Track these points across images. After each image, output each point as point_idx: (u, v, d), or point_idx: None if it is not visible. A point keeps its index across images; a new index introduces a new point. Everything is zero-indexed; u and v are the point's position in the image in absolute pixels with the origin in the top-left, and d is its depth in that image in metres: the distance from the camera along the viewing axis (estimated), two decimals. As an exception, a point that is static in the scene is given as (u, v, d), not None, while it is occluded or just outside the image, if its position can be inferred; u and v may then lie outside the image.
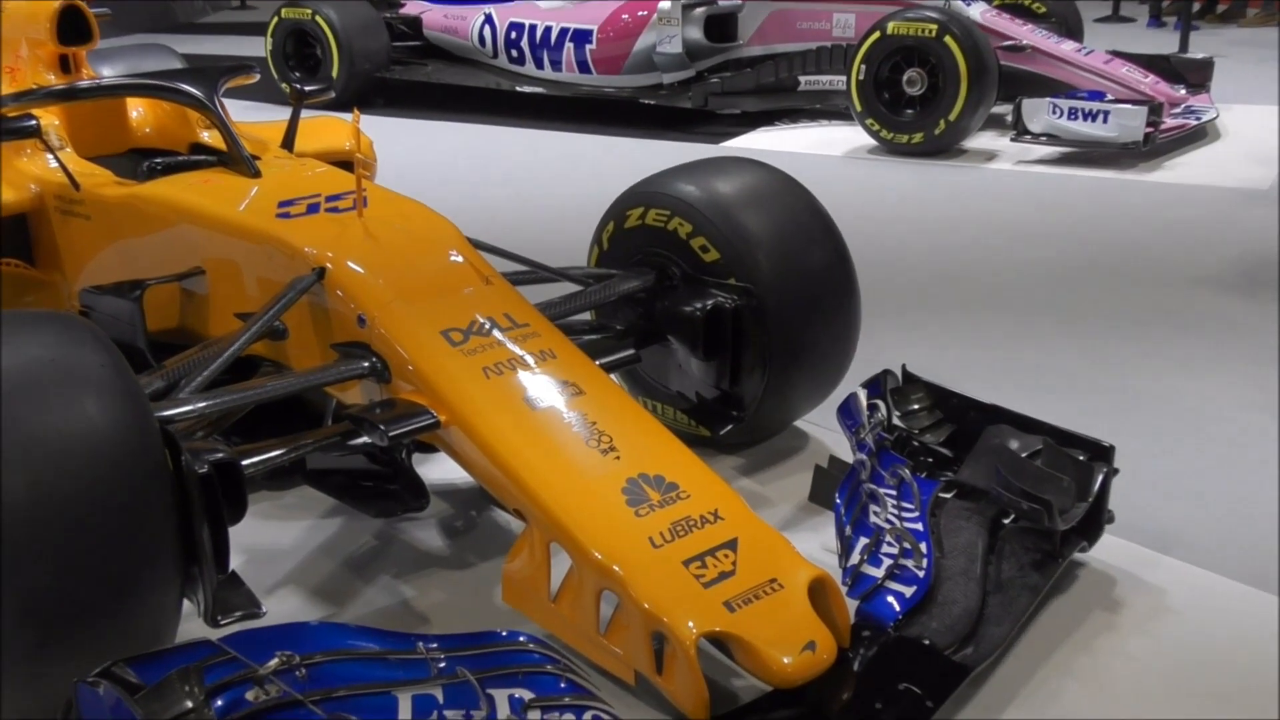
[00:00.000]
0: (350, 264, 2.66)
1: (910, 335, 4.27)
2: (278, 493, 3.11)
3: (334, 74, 8.45)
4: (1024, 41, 7.16)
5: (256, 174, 3.11)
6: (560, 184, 6.43)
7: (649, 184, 3.23)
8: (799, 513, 2.96)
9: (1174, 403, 3.68)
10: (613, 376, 3.31)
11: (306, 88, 3.63)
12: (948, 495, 2.71)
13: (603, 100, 8.10)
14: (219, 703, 1.76)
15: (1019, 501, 2.52)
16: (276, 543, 2.91)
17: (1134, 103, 6.49)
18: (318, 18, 8.44)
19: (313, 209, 2.88)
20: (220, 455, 2.20)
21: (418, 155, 7.36)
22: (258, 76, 3.67)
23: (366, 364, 2.56)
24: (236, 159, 3.16)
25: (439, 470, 3.01)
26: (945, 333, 4.33)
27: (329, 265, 2.66)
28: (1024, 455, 2.61)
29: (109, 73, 4.63)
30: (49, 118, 3.52)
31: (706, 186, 3.12)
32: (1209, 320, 4.37)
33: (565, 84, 8.19)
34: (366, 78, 8.59)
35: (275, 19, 8.73)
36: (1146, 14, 12.03)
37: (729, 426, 3.10)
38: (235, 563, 2.79)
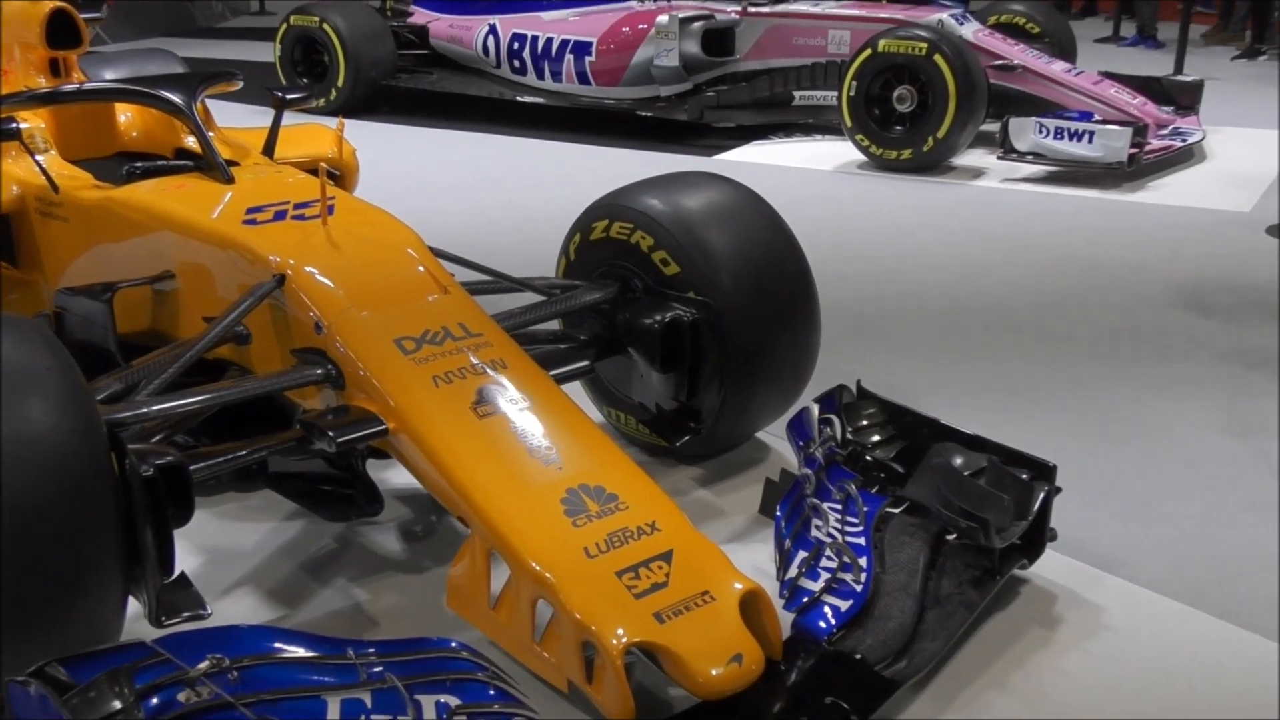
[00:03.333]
0: (309, 271, 2.66)
1: (884, 349, 4.26)
2: (244, 494, 3.11)
3: (340, 81, 8.48)
4: (1015, 61, 7.13)
5: (230, 180, 3.11)
6: (553, 193, 6.42)
7: (615, 197, 3.23)
8: (751, 524, 2.95)
9: (1137, 422, 3.66)
10: (577, 385, 3.35)
11: (288, 95, 3.64)
12: (895, 510, 2.70)
13: (601, 111, 8.09)
14: (153, 702, 1.76)
15: (958, 519, 2.50)
16: (238, 544, 2.91)
17: (1120, 123, 6.45)
18: (325, 25, 8.46)
19: (279, 216, 2.88)
20: (168, 459, 2.20)
21: (417, 162, 7.37)
22: (240, 84, 3.67)
23: (321, 370, 2.56)
24: (212, 165, 3.16)
25: (402, 476, 3.00)
26: (921, 347, 4.31)
27: (289, 272, 2.66)
28: (967, 473, 2.59)
29: (110, 76, 4.64)
30: (36, 121, 3.54)
31: (670, 201, 3.12)
32: (1179, 341, 4.35)
33: (565, 94, 8.18)
34: (372, 85, 8.61)
35: (284, 26, 8.75)
36: (1145, 34, 11.89)
37: (686, 438, 3.09)
38: (195, 563, 2.81)
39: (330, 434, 2.42)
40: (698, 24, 7.61)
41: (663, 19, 7.62)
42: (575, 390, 3.29)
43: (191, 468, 2.35)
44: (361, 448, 2.57)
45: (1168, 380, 4.00)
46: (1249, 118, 8.23)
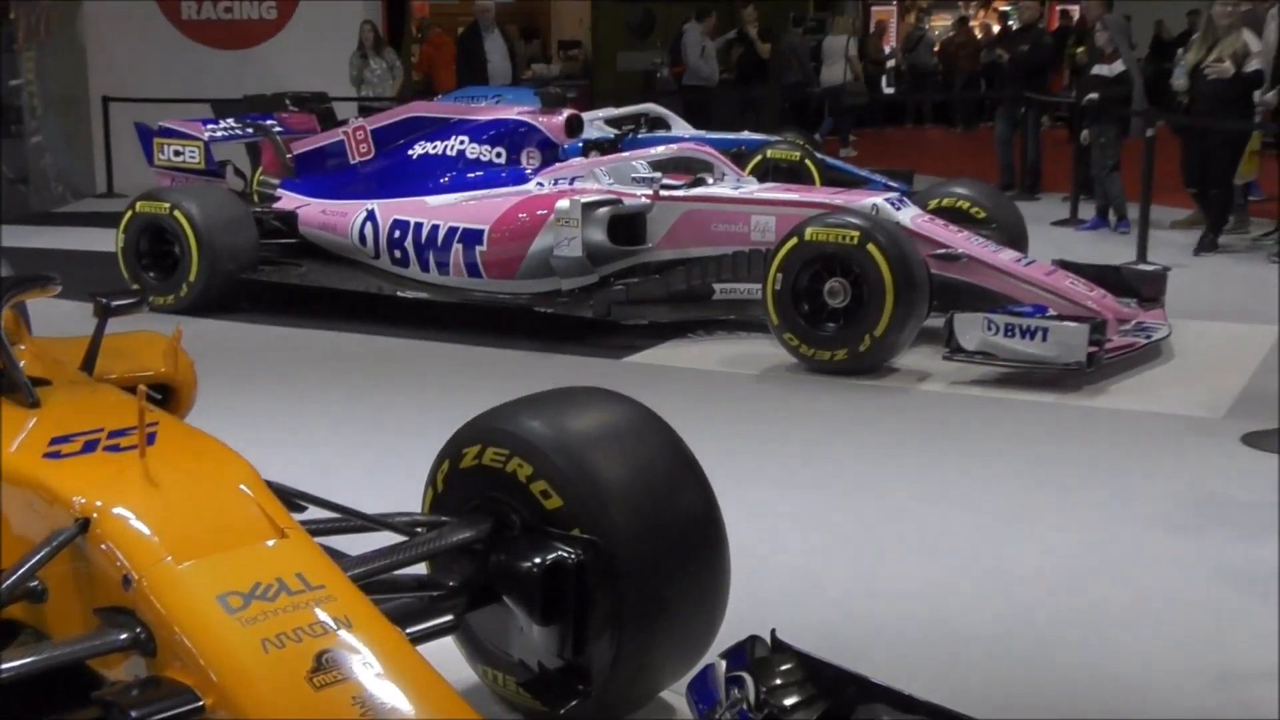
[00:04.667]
0: (119, 514, 2.60)
1: (807, 592, 4.26)
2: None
3: (192, 275, 8.52)
4: (958, 250, 7.38)
5: (35, 403, 3.07)
6: (435, 406, 6.42)
7: (489, 417, 3.24)
8: (650, 809, 2.88)
9: (1110, 682, 3.66)
10: (449, 640, 3.28)
11: (114, 301, 3.63)
12: (818, 789, 2.64)
13: (494, 308, 8.20)
14: None
15: (884, 802, 2.45)
16: None
17: (1076, 319, 6.66)
18: (176, 212, 8.54)
19: (89, 447, 2.84)
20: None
21: (275, 371, 7.36)
22: (58, 289, 3.67)
23: (127, 634, 2.48)
24: (15, 385, 3.13)
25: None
26: (851, 587, 4.31)
27: (95, 515, 2.61)
28: (896, 743, 2.55)
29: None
30: None
31: (552, 422, 3.13)
32: (1152, 566, 4.41)
33: (453, 289, 8.28)
34: (230, 279, 8.66)
35: (129, 212, 8.82)
36: (1114, 217, 12.28)
37: (574, 702, 3.03)
38: None
39: (132, 714, 2.33)
40: (603, 209, 7.78)
41: (563, 204, 7.79)
42: (445, 646, 3.22)
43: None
44: (175, 730, 2.47)
45: (1143, 613, 4.03)
46: (1220, 309, 8.55)
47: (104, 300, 3.61)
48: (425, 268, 8.37)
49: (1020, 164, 14.37)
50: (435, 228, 8.29)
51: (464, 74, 15.09)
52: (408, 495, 3.57)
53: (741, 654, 2.87)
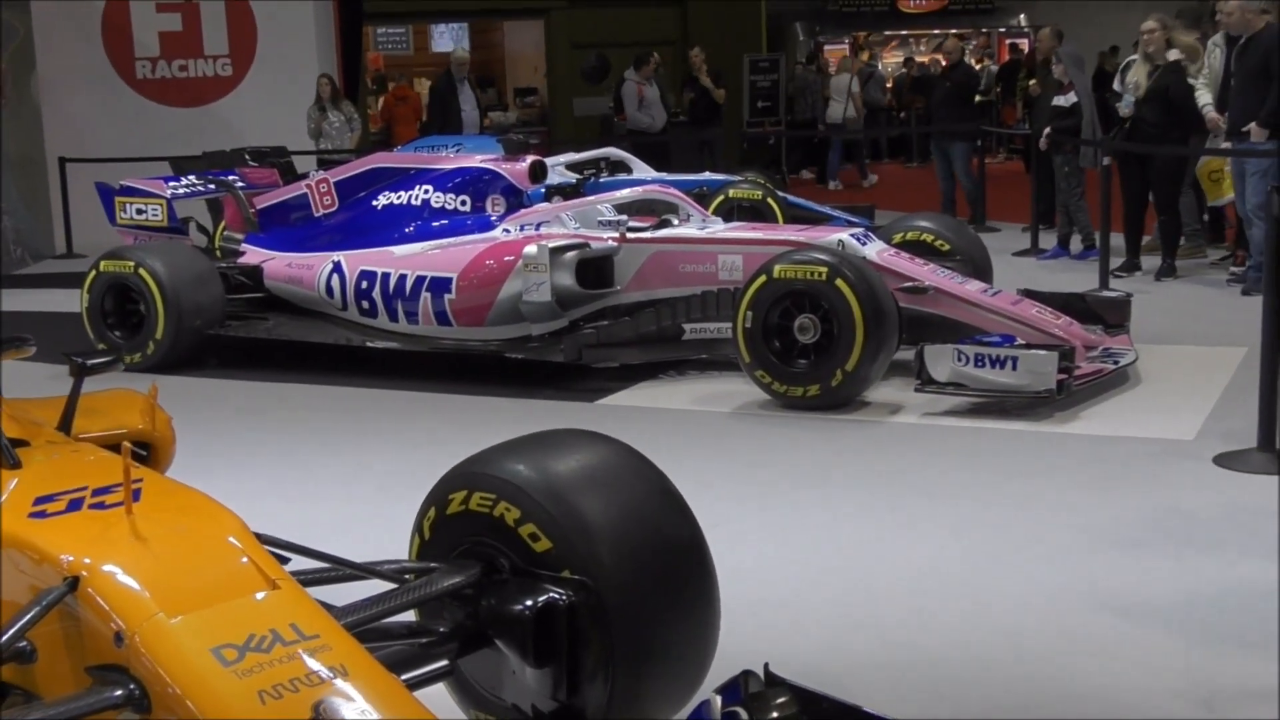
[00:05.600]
0: (108, 571, 2.60)
1: (795, 626, 4.26)
2: None
3: (158, 333, 8.48)
4: (925, 282, 7.44)
5: (15, 464, 3.06)
6: (411, 455, 6.42)
7: (475, 463, 3.25)
8: None
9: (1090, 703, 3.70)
10: (441, 686, 3.27)
11: (89, 360, 3.63)
12: (819, 822, 2.64)
13: (465, 355, 8.20)
14: None
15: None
16: None
17: (1045, 347, 6.72)
18: (141, 271, 8.51)
19: (74, 505, 2.83)
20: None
21: (249, 425, 7.33)
22: (32, 351, 3.67)
23: (121, 691, 2.47)
24: (-6, 447, 3.12)
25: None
26: (834, 620, 4.33)
27: (84, 573, 2.60)
28: (897, 771, 2.56)
29: None
30: None
31: (538, 465, 3.14)
32: (1126, 591, 4.44)
33: (422, 337, 8.28)
34: (197, 335, 8.63)
35: (92, 273, 8.78)
36: (1079, 244, 12.39)
37: (568, 745, 3.03)
38: None
39: (130, 772, 2.32)
40: (571, 253, 7.80)
41: (530, 249, 7.80)
42: (437, 692, 3.22)
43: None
44: (172, 787, 2.46)
45: (1127, 636, 4.06)
46: (1182, 333, 8.65)
47: (80, 360, 3.61)
48: (394, 317, 8.36)
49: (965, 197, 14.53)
50: (403, 277, 8.29)
51: (437, 124, 15.16)
52: (392, 544, 3.56)
53: (736, 689, 2.87)
